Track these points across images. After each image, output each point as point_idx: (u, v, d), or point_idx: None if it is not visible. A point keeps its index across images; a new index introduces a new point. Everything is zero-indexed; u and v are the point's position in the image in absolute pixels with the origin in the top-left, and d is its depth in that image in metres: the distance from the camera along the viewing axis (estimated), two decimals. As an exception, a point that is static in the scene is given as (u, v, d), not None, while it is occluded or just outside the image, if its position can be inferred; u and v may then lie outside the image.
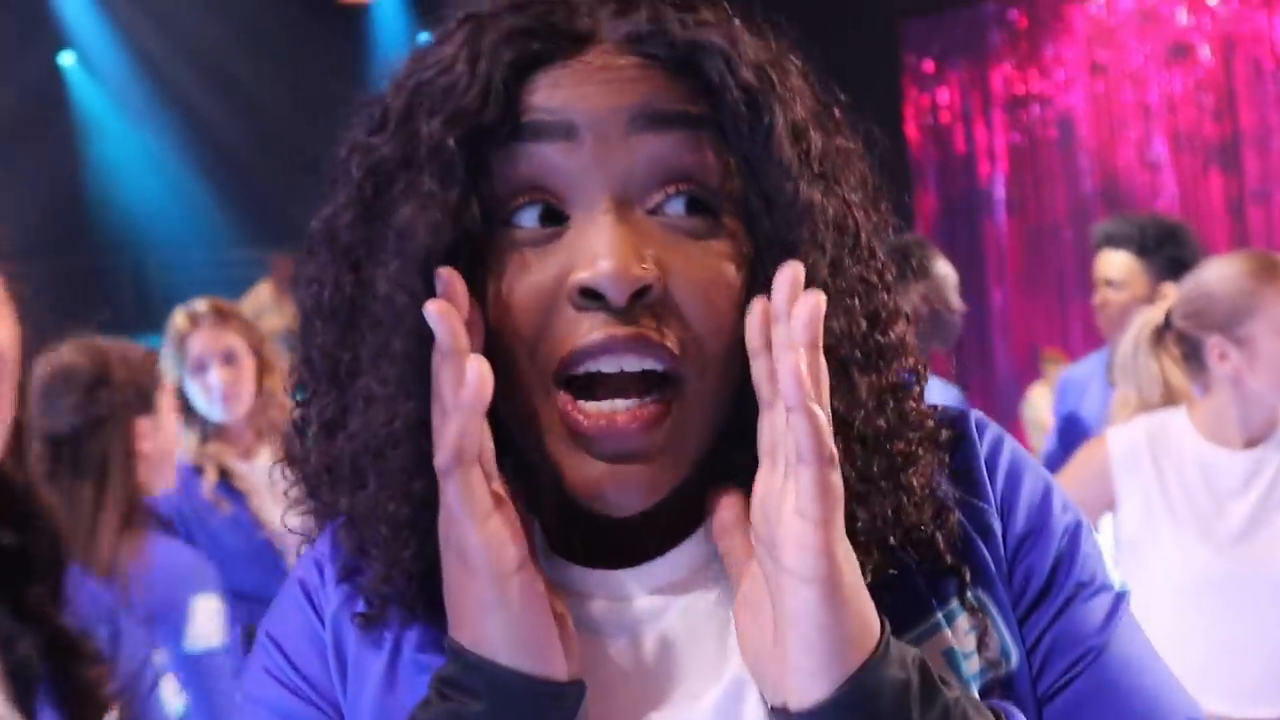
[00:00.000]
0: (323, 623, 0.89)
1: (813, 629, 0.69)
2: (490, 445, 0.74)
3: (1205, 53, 10.69)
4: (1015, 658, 0.83)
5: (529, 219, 0.76)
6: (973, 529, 0.85)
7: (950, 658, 0.81)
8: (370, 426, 0.77)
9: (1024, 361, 12.04)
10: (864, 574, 0.75)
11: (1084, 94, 11.98)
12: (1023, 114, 12.62)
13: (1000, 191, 12.89)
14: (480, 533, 0.70)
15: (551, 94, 0.75)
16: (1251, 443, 2.55)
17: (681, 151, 0.76)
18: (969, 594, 0.83)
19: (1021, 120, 12.65)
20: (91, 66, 15.77)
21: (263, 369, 3.36)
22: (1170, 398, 2.69)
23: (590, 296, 0.73)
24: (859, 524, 0.79)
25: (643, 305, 0.74)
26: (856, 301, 0.79)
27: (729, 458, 0.82)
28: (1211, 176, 10.48)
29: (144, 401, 2.53)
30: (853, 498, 0.77)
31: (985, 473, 0.87)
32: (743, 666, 0.79)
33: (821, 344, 0.70)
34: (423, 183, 0.75)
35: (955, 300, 3.52)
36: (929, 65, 13.64)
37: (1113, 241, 3.79)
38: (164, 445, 2.56)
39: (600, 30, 0.78)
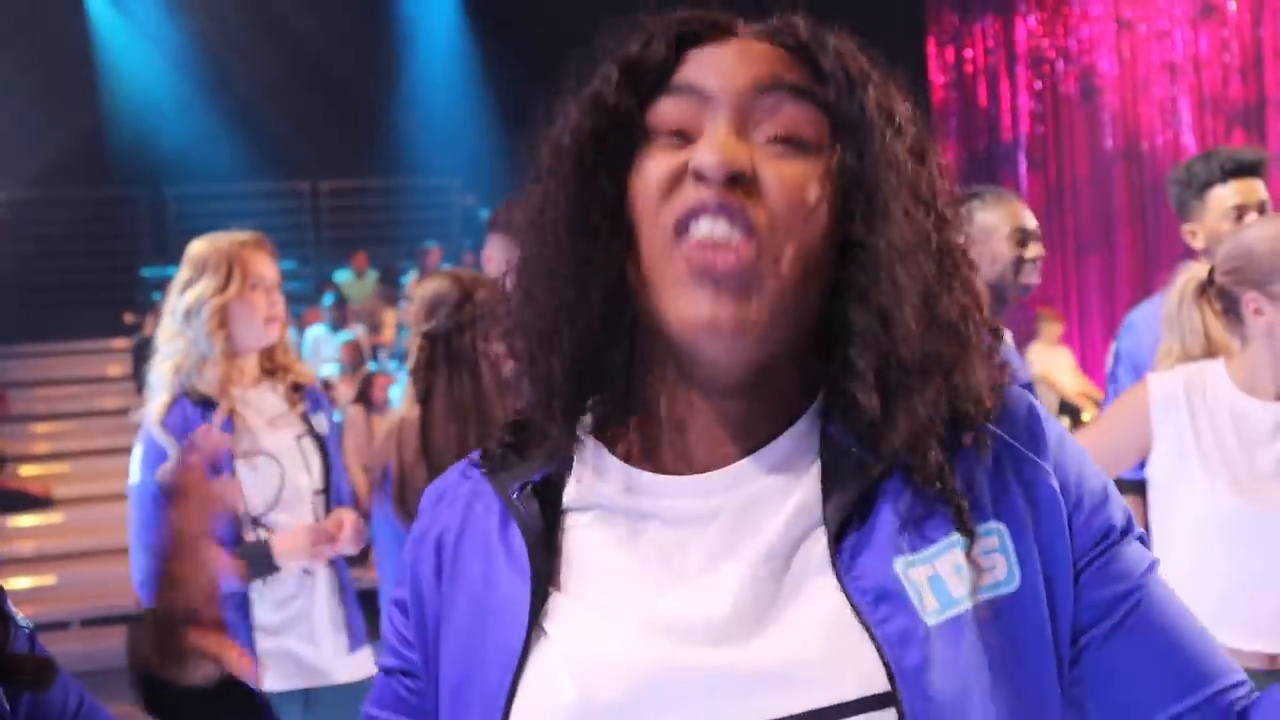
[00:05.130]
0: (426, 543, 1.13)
1: None
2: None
3: (1233, 13, 10.59)
4: (1017, 582, 0.98)
5: (669, 138, 1.01)
6: (1013, 475, 1.02)
7: (958, 571, 0.97)
8: (547, 272, 1.04)
9: (1037, 318, 12.04)
10: (932, 446, 0.98)
11: (1109, 51, 11.89)
12: (1047, 70, 12.55)
13: (1022, 147, 12.84)
14: None
15: (699, 66, 1.01)
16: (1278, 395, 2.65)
17: (790, 109, 1.00)
18: (980, 525, 0.98)
19: (1045, 76, 12.58)
20: (114, -5, 15.74)
21: None
22: (1211, 349, 2.81)
23: (699, 178, 0.96)
24: (925, 402, 0.98)
25: (738, 186, 0.96)
26: (930, 228, 1.00)
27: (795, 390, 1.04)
28: (1235, 138, 10.40)
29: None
30: (918, 369, 0.98)
31: (1047, 438, 1.04)
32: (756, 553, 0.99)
33: None
34: (591, 95, 1.03)
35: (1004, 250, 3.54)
36: (954, 19, 13.56)
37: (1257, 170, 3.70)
38: None
39: (742, 30, 1.04)
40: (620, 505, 1.04)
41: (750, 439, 1.03)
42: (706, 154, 0.96)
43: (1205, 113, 10.96)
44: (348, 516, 3.34)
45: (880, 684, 0.91)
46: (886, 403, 0.99)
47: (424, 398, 3.18)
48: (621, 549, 1.03)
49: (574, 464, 1.07)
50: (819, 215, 0.98)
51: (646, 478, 1.04)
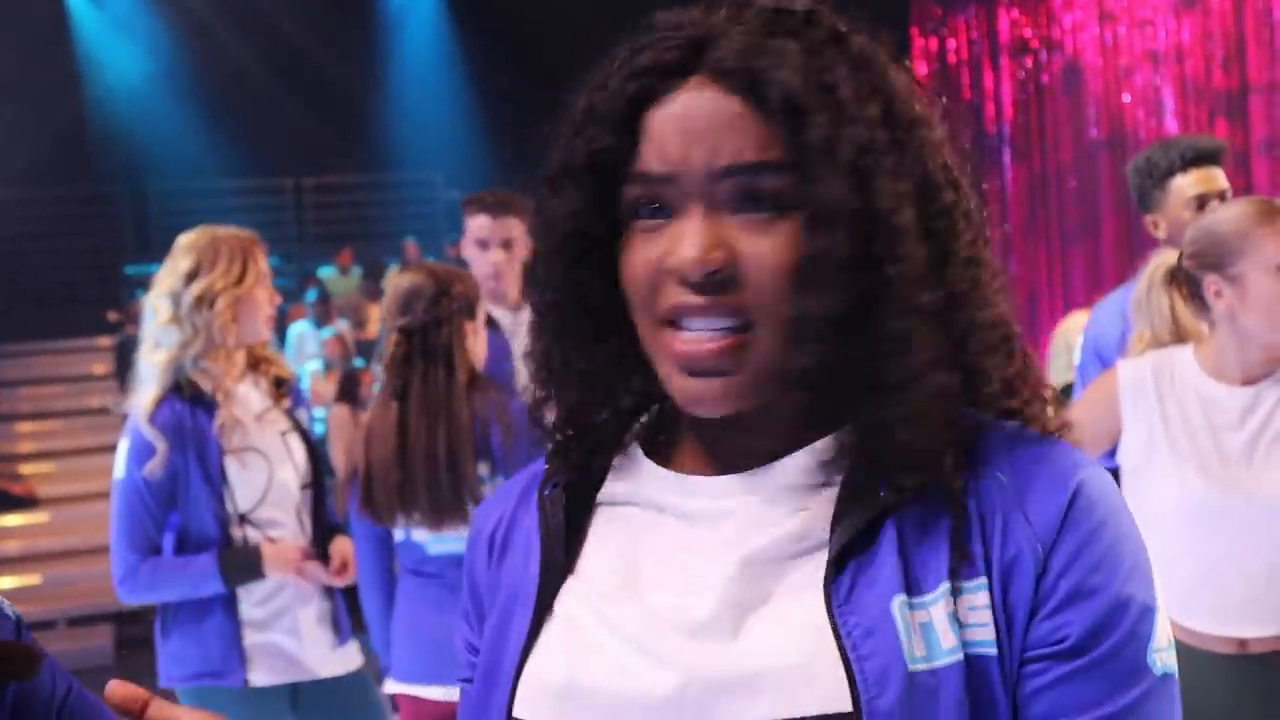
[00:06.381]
0: (482, 535, 1.19)
1: None
2: None
3: (1216, 2, 10.61)
4: (992, 649, 0.95)
5: (644, 214, 1.03)
6: (1002, 532, 0.98)
7: (950, 621, 0.95)
8: (547, 349, 1.11)
9: (1024, 308, 12.05)
10: (918, 457, 0.97)
11: (1092, 41, 11.90)
12: (1030, 60, 12.55)
13: (1005, 137, 12.85)
14: None
15: (654, 149, 1.01)
16: (1249, 380, 2.64)
17: (755, 181, 0.98)
18: (973, 580, 0.96)
19: (1028, 66, 12.59)
20: (93, -9, 15.66)
21: None
22: (1180, 335, 2.81)
23: (679, 277, 0.99)
24: (924, 411, 0.98)
25: (716, 280, 0.98)
26: (907, 264, 0.99)
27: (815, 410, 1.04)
28: (1218, 127, 10.43)
29: (470, 309, 3.25)
30: (911, 395, 0.98)
31: (1061, 514, 0.98)
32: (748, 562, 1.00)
33: None
34: (566, 186, 1.05)
35: None
36: (937, 9, 13.56)
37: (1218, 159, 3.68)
38: (480, 342, 3.33)
39: (700, 63, 1.00)
40: (644, 501, 1.09)
41: (778, 443, 1.05)
42: (684, 253, 0.98)
43: (1188, 101, 10.98)
44: (350, 556, 3.35)
45: (844, 704, 0.92)
46: (886, 426, 0.99)
47: (400, 394, 3.16)
48: (636, 541, 1.07)
49: (613, 464, 1.12)
50: (795, 267, 0.98)
51: (672, 477, 1.08)
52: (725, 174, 0.98)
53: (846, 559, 0.97)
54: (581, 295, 1.07)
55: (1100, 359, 3.54)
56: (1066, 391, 6.65)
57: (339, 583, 3.34)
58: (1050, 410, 1.07)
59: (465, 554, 1.21)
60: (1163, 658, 0.97)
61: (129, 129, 15.26)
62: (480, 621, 1.16)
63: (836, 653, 0.93)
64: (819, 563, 0.98)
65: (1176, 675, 0.99)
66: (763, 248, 0.98)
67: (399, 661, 3.24)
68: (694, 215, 0.99)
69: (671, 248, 0.99)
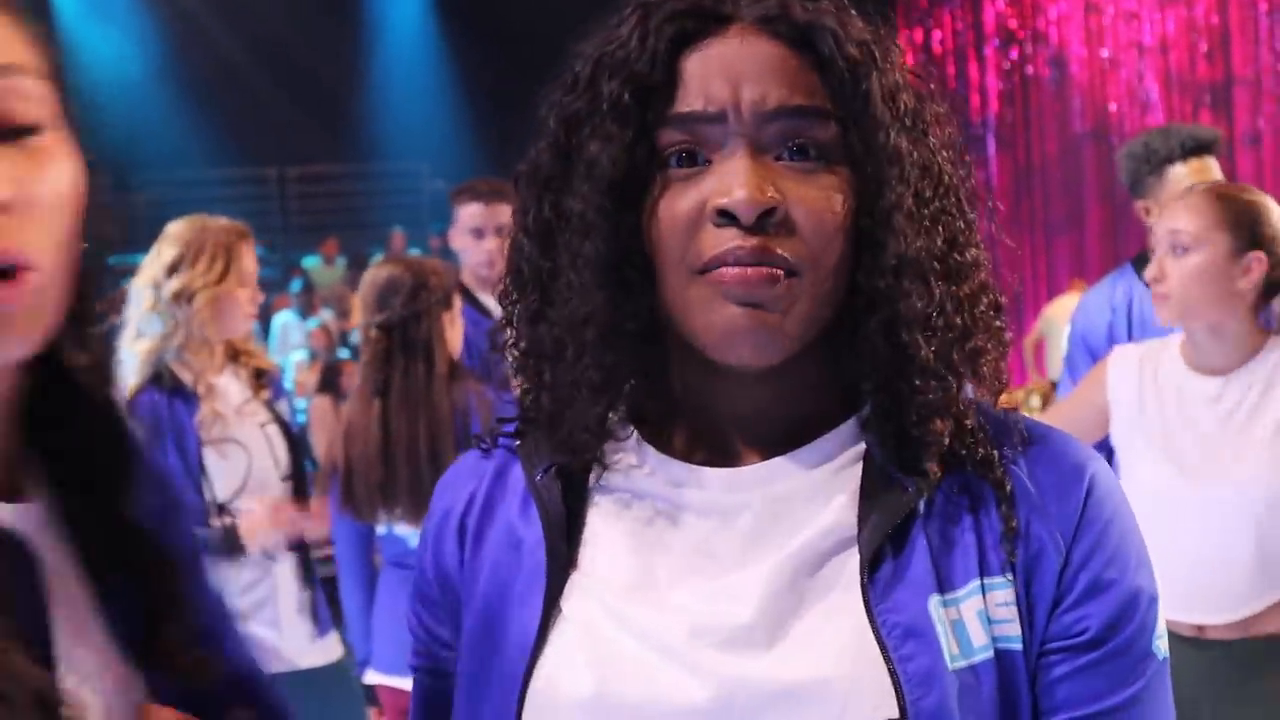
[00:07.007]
0: (451, 518, 1.12)
1: None
2: None
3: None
4: (1018, 644, 0.96)
5: (678, 161, 0.98)
6: (1024, 528, 0.98)
7: (980, 619, 0.96)
8: (571, 312, 1.00)
9: (1008, 300, 12.06)
10: (942, 438, 0.97)
11: (1077, 32, 11.92)
12: (1015, 51, 12.57)
13: (990, 128, 12.87)
14: None
15: (700, 86, 0.97)
16: (1218, 370, 2.64)
17: (803, 127, 0.96)
18: (1000, 576, 0.97)
19: (1013, 58, 12.60)
20: (75, -21, 15.58)
21: None
22: None
23: (726, 216, 0.93)
24: (940, 395, 0.98)
25: (767, 223, 0.93)
26: (938, 227, 0.99)
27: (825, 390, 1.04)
28: (1202, 118, 10.46)
29: (447, 301, 3.23)
30: (931, 375, 0.97)
31: (1079, 509, 1.00)
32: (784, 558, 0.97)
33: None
34: (606, 126, 0.98)
35: None
36: (922, 0, 13.57)
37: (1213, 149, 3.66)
38: (457, 332, 3.31)
39: (738, 13, 0.98)
40: (648, 492, 1.03)
41: (786, 436, 1.02)
42: (736, 192, 0.93)
43: (1173, 93, 11.01)
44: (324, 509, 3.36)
45: (891, 709, 0.91)
46: (906, 414, 0.98)
47: (382, 390, 3.15)
48: (645, 537, 1.01)
49: (605, 448, 1.06)
50: (843, 229, 0.97)
51: (676, 466, 1.03)
52: (774, 116, 0.96)
53: (879, 558, 0.96)
54: (629, 243, 0.98)
55: (1089, 350, 3.55)
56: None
57: (316, 533, 3.33)
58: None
59: (428, 535, 1.14)
60: (1163, 643, 1.00)
61: (112, 118, 15.18)
62: (448, 612, 1.10)
63: (879, 656, 0.92)
64: (849, 561, 0.97)
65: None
66: (811, 195, 0.95)
67: (380, 653, 3.24)
68: (741, 156, 0.95)
69: (720, 188, 0.95)
